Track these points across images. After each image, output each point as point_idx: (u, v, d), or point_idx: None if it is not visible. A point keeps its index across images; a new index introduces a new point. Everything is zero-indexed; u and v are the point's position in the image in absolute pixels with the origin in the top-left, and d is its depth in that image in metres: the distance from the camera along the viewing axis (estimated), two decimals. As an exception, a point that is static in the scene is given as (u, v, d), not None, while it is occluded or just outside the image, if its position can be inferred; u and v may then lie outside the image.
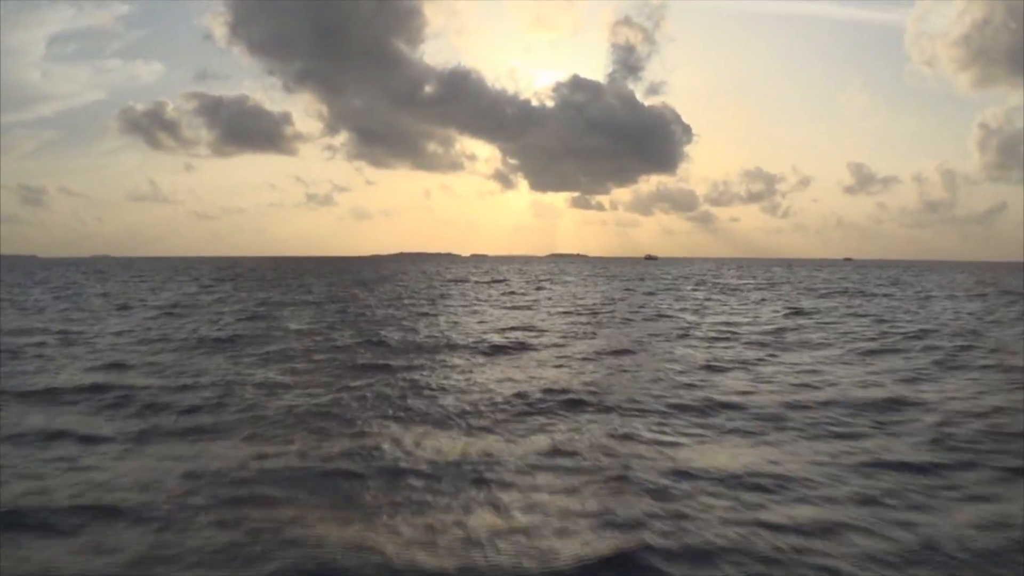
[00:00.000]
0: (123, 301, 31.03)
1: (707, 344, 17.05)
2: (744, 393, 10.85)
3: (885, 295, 38.26)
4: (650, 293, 40.21)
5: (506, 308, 27.75)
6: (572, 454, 7.60)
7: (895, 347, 16.36)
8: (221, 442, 8.07)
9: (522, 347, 16.18)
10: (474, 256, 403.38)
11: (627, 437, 8.29)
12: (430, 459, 7.38)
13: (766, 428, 8.78)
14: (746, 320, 23.15)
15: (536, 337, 18.16)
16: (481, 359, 14.46)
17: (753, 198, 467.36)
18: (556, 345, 16.62)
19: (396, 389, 11.09)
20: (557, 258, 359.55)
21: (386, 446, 7.89)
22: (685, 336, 18.61)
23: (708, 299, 34.61)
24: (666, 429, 8.72)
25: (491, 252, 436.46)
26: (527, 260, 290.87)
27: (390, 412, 9.60)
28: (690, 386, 11.38)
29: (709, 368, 13.30)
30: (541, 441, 8.12)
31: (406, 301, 31.36)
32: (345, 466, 7.13)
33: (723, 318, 23.90)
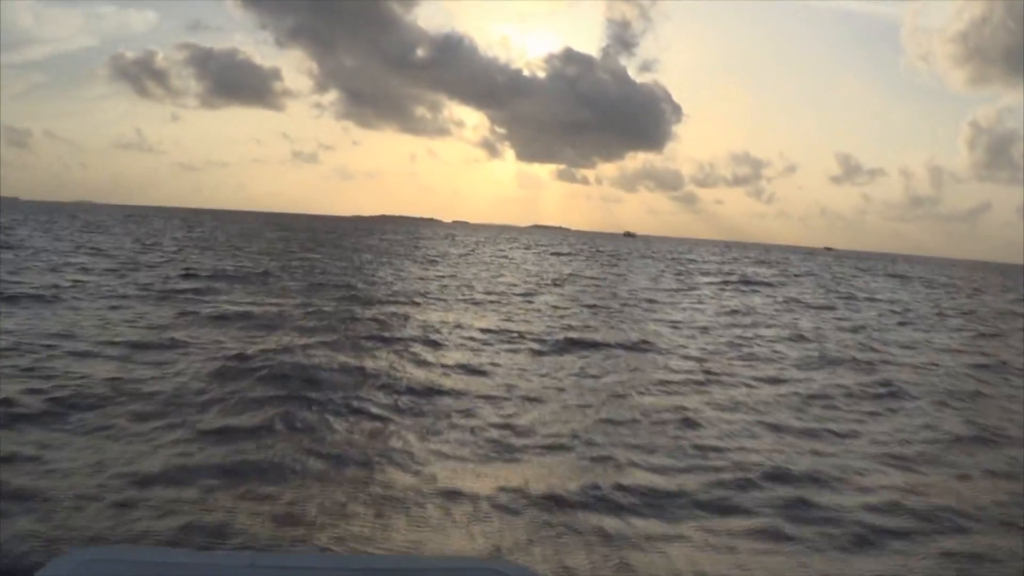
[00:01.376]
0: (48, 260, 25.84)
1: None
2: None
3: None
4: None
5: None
6: None
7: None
8: None
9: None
10: (456, 223, 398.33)
11: None
12: None
13: None
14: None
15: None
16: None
17: (739, 182, 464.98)
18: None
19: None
20: (539, 230, 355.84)
21: None
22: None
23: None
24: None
25: (473, 220, 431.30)
26: (509, 230, 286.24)
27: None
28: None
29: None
30: None
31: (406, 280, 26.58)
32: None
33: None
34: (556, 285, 28.44)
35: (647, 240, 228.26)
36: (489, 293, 23.25)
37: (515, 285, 26.95)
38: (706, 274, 43.55)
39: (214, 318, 14.33)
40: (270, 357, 10.48)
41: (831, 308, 25.87)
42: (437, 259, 41.97)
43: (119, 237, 44.42)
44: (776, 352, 14.73)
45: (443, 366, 11.18)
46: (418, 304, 18.82)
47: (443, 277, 28.67)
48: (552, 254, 59.71)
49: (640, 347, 14.23)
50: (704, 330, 17.59)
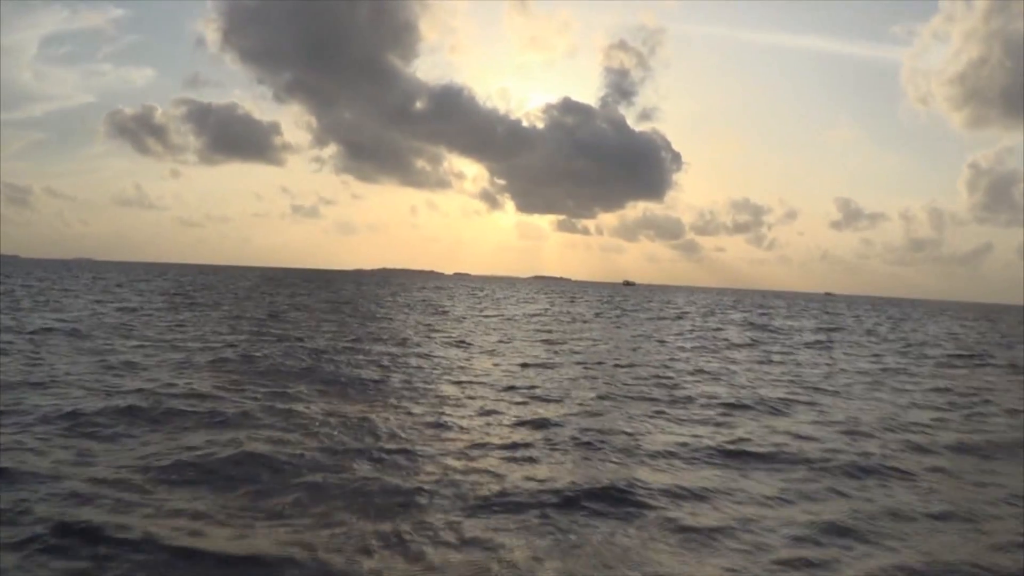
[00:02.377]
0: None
1: None
2: None
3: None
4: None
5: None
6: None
7: None
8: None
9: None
10: (457, 275, 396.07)
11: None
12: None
13: None
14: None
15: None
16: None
17: (739, 229, 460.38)
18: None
19: None
20: (540, 280, 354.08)
21: None
22: None
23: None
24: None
25: (474, 271, 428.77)
26: (511, 281, 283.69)
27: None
28: None
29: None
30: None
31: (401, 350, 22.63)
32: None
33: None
34: (580, 362, 24.50)
35: (649, 289, 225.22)
36: (497, 364, 19.31)
37: (533, 358, 23.09)
38: (752, 329, 39.51)
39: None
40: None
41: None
42: (442, 313, 38.17)
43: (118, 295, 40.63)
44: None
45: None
46: (407, 396, 14.90)
47: (446, 343, 24.80)
48: (566, 314, 55.84)
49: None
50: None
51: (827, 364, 22.86)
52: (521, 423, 11.27)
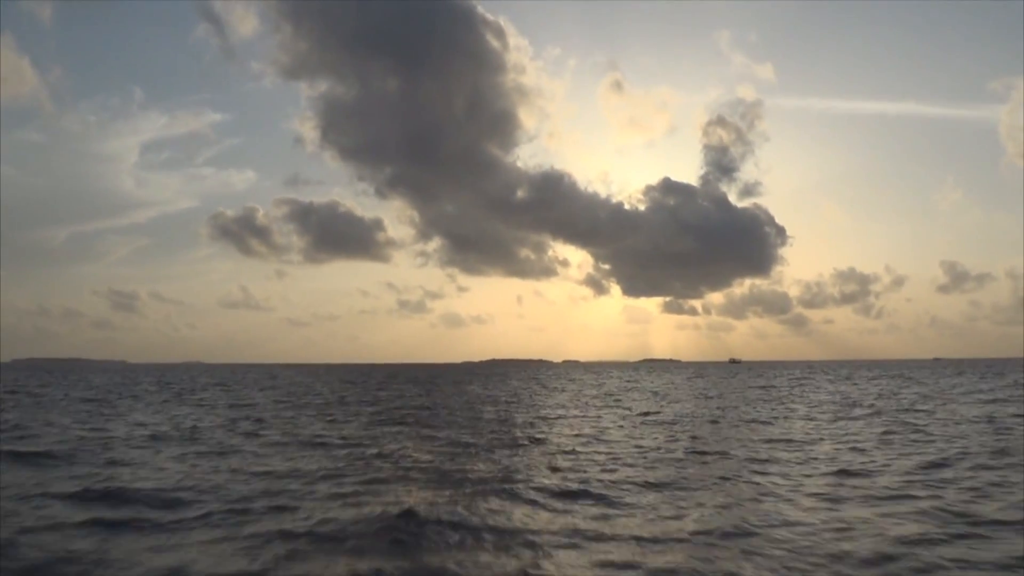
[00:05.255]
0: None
1: None
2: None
3: None
4: None
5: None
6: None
7: None
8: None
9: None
10: (567, 362, 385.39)
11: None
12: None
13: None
14: None
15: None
16: None
17: (847, 299, 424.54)
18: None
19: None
20: (650, 363, 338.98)
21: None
22: None
23: None
24: None
25: (583, 358, 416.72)
26: (620, 366, 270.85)
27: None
28: None
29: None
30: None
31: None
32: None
33: None
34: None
35: (757, 366, 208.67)
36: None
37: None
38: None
39: None
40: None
41: None
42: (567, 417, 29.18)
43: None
44: None
45: None
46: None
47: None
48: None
49: None
50: None
51: None
52: None
